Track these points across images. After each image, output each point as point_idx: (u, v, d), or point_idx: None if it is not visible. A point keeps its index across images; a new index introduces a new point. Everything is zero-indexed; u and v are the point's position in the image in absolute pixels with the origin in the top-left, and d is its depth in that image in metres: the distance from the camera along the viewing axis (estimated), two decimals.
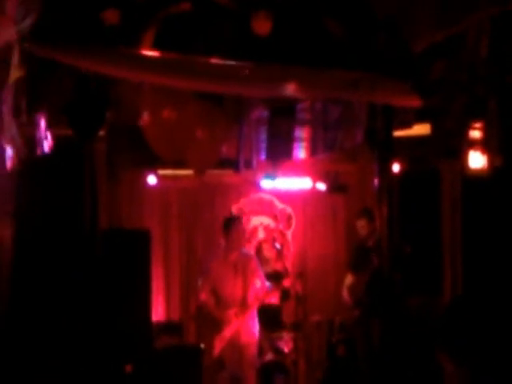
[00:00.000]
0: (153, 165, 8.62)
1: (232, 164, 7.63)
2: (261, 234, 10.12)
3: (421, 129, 6.21)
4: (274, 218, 10.17)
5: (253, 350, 7.99)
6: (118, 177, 8.88)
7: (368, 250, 8.07)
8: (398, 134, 5.85)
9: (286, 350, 8.63)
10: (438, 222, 7.81)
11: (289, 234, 10.16)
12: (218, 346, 7.86)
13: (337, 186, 9.33)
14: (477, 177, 5.07)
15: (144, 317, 6.85)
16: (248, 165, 7.68)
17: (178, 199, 9.97)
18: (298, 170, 9.06)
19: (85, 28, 4.10)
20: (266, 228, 10.15)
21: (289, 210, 10.15)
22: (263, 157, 7.69)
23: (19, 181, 4.98)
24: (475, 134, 4.87)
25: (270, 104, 6.86)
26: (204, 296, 7.98)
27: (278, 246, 9.93)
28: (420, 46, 4.49)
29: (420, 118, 5.80)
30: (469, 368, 3.05)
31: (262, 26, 4.18)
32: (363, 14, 4.37)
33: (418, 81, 4.60)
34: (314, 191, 9.59)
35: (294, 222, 10.16)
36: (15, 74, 4.08)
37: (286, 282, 9.58)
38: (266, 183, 9.03)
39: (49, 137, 5.01)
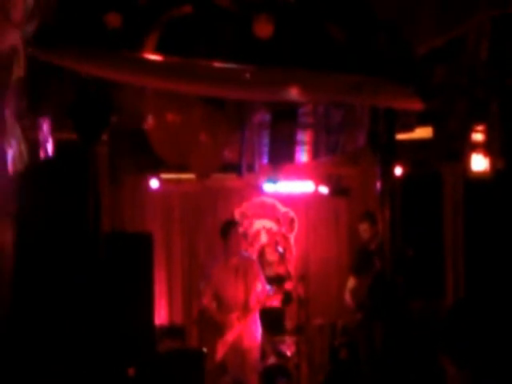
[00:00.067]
0: (155, 169, 8.63)
1: (234, 168, 7.64)
2: (263, 238, 10.13)
3: (423, 132, 6.21)
4: (277, 221, 10.18)
5: (255, 354, 7.99)
6: (121, 180, 8.89)
7: (370, 254, 8.07)
8: (400, 137, 5.86)
9: (288, 353, 8.63)
10: (440, 225, 7.81)
11: (291, 237, 10.17)
12: (221, 350, 7.86)
13: (339, 190, 9.34)
14: (479, 180, 5.07)
15: (147, 320, 6.84)
16: (250, 168, 7.69)
17: (181, 203, 9.99)
18: (301, 173, 9.07)
19: (87, 32, 4.12)
20: (269, 231, 10.16)
21: (291, 213, 10.16)
22: (265, 160, 7.70)
23: (21, 184, 4.97)
24: (477, 136, 4.87)
25: (272, 108, 6.88)
26: (206, 300, 7.98)
27: (280, 249, 9.93)
28: (421, 49, 4.50)
29: (422, 121, 5.80)
30: (471, 371, 3.05)
31: (263, 29, 4.19)
32: (364, 17, 4.37)
33: (419, 84, 4.60)
34: (316, 195, 9.60)
35: (296, 225, 10.17)
36: (18, 77, 4.09)
37: (289, 286, 9.59)
38: (269, 187, 9.04)
39: (51, 140, 5.03)
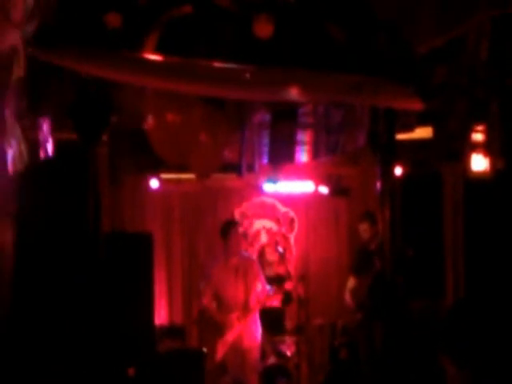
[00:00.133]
0: (155, 169, 8.63)
1: (234, 168, 7.64)
2: (263, 238, 10.13)
3: (423, 132, 6.22)
4: (277, 221, 10.18)
5: (255, 354, 7.99)
6: (121, 180, 8.89)
7: (370, 254, 8.07)
8: (400, 137, 5.86)
9: (288, 353, 8.63)
10: (440, 225, 7.82)
11: (291, 237, 10.17)
12: (221, 350, 7.86)
13: (339, 190, 9.34)
14: (479, 179, 5.07)
15: (147, 320, 6.84)
16: (250, 169, 7.69)
17: (181, 203, 9.99)
18: (301, 173, 9.07)
19: (87, 32, 4.12)
20: (269, 231, 10.16)
21: (291, 213, 10.17)
22: (265, 160, 7.70)
23: (21, 184, 4.97)
24: (477, 136, 4.87)
25: (272, 108, 6.87)
26: (206, 300, 7.98)
27: (280, 249, 9.94)
28: (421, 49, 4.50)
29: (422, 121, 5.80)
30: (471, 371, 3.05)
31: (263, 29, 4.19)
32: (364, 17, 4.37)
33: (419, 84, 4.60)
34: (316, 195, 9.60)
35: (296, 225, 10.17)
36: (18, 77, 4.09)
37: (289, 286, 9.59)
38: (269, 187, 9.04)
39: (51, 140, 5.02)
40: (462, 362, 3.07)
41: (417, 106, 4.76)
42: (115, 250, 6.44)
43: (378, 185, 5.83)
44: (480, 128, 4.84)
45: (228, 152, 6.97)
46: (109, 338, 6.08)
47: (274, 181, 8.78)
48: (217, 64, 4.32)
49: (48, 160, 5.03)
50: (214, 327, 7.98)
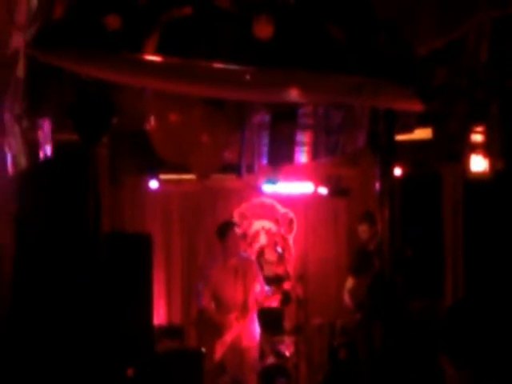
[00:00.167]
0: (155, 169, 8.64)
1: (234, 168, 7.65)
2: (262, 239, 10.14)
3: (423, 133, 6.22)
4: (276, 222, 10.19)
5: (254, 354, 7.99)
6: (121, 181, 8.90)
7: (369, 254, 8.08)
8: (399, 138, 5.86)
9: (287, 353, 8.64)
10: (439, 225, 7.83)
11: (290, 238, 10.18)
12: (219, 350, 7.86)
13: (338, 190, 9.36)
14: (478, 180, 5.08)
15: (146, 320, 6.84)
16: (250, 169, 7.69)
17: (180, 203, 10.00)
18: (300, 174, 9.07)
19: (87, 33, 4.12)
20: (268, 232, 10.17)
21: (290, 214, 10.17)
22: (265, 161, 7.70)
23: (21, 184, 4.98)
24: (477, 137, 4.88)
25: (271, 108, 6.88)
26: (205, 301, 7.98)
27: (279, 249, 9.94)
28: (421, 50, 4.50)
29: (422, 122, 5.81)
30: (470, 371, 3.06)
31: (263, 30, 4.19)
32: (364, 17, 4.37)
33: (420, 85, 4.60)
34: (315, 195, 9.61)
35: (295, 226, 10.18)
36: (18, 78, 4.10)
37: (287, 286, 9.59)
38: (268, 187, 9.05)
39: (51, 141, 5.03)
40: (461, 362, 3.08)
41: (417, 106, 4.76)
42: (115, 250, 6.45)
43: (378, 185, 5.83)
44: (480, 129, 4.85)
45: (228, 152, 6.98)
46: (108, 338, 6.09)
47: (274, 181, 8.79)
48: (217, 65, 4.32)
49: (48, 160, 5.04)
50: (212, 327, 7.98)
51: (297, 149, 7.38)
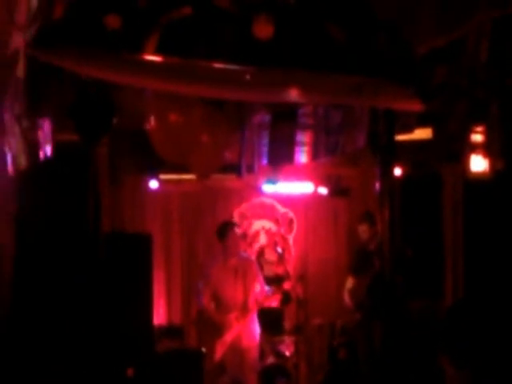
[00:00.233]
0: (155, 169, 8.64)
1: (234, 168, 7.65)
2: (262, 239, 10.14)
3: (422, 133, 6.22)
4: (276, 222, 10.19)
5: (254, 354, 7.99)
6: (121, 181, 8.90)
7: (369, 254, 8.08)
8: (399, 138, 5.86)
9: (287, 353, 8.64)
10: (439, 225, 7.83)
11: (290, 238, 10.18)
12: (219, 350, 7.86)
13: (338, 190, 9.36)
14: (478, 180, 5.07)
15: (146, 320, 6.85)
16: (250, 169, 7.69)
17: (180, 203, 10.00)
18: (300, 174, 9.07)
19: (87, 33, 4.11)
20: (268, 232, 10.17)
21: (290, 214, 10.17)
22: (265, 161, 7.70)
23: (21, 184, 4.98)
24: (477, 137, 4.87)
25: (271, 109, 6.88)
26: (205, 301, 7.98)
27: (279, 249, 9.94)
28: (421, 50, 4.50)
29: (422, 122, 5.81)
30: (470, 371, 3.06)
31: (263, 30, 4.18)
32: (364, 17, 4.37)
33: (419, 85, 4.60)
34: (315, 195, 9.61)
35: (295, 226, 10.18)
36: (18, 78, 4.10)
37: (287, 286, 9.59)
38: (268, 187, 9.05)
39: (51, 141, 5.03)
40: (461, 362, 3.08)
41: (417, 106, 4.76)
42: (115, 250, 6.45)
43: (378, 185, 5.83)
44: (480, 129, 4.84)
45: (228, 152, 6.99)
46: (108, 338, 6.09)
47: (274, 181, 8.79)
48: (217, 65, 4.32)
49: (48, 160, 5.04)
50: (212, 327, 7.98)
51: (297, 149, 7.38)
